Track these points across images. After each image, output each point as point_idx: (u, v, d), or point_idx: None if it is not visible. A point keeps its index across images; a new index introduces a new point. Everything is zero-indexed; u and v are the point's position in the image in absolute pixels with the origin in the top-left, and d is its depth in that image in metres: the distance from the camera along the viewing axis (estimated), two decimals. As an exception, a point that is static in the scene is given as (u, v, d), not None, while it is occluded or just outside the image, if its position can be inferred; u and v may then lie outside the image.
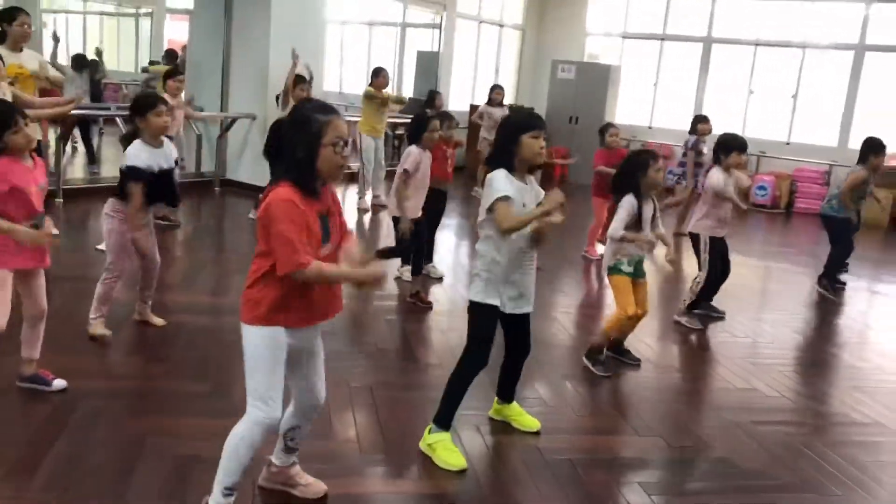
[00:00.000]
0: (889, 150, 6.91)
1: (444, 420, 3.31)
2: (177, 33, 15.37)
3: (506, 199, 3.13)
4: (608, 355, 4.57)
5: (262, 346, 2.49)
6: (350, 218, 8.61)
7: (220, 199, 8.96)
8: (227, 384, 3.83)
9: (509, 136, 3.22)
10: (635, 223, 4.33)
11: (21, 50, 5.69)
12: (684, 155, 8.78)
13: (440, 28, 12.62)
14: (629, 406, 4.12)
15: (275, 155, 2.51)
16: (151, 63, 12.37)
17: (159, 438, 3.23)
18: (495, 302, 3.28)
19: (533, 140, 3.17)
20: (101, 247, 5.97)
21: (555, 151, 11.89)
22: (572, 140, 12.86)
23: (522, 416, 3.69)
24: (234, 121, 9.16)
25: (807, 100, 12.72)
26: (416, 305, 5.37)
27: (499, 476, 3.24)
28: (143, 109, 4.12)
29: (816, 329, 6.05)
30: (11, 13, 5.64)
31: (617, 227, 4.33)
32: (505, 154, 3.21)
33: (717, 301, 5.72)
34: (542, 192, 3.29)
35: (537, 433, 3.61)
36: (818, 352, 5.44)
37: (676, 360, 4.99)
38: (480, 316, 3.32)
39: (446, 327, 5.15)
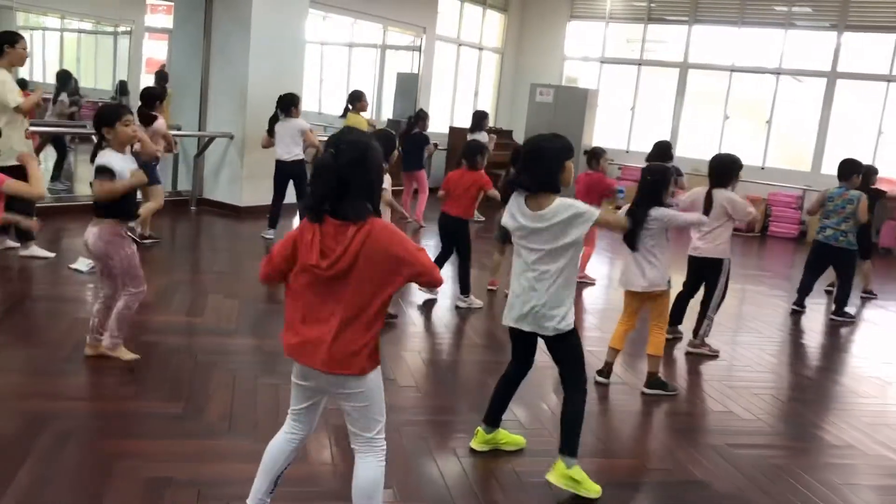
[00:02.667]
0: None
1: (576, 448, 3.31)
2: (156, 52, 15.34)
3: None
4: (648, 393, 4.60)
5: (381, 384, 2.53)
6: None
7: (197, 218, 8.89)
8: (200, 405, 3.78)
9: (559, 161, 3.26)
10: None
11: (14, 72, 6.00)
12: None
13: (420, 50, 12.69)
14: (606, 429, 4.11)
15: (341, 195, 2.34)
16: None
17: (129, 461, 3.17)
18: None
19: (571, 164, 3.30)
20: (74, 266, 5.93)
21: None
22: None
23: (509, 437, 3.67)
24: (211, 140, 9.12)
25: (781, 125, 12.93)
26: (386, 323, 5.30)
27: (476, 499, 3.21)
28: (111, 119, 4.05)
29: (791, 352, 6.09)
30: (14, 36, 5.97)
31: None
32: (554, 179, 3.25)
33: (691, 323, 5.73)
34: None
35: (521, 450, 3.62)
36: (793, 375, 5.47)
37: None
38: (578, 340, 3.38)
39: (420, 348, 5.13)
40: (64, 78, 10.23)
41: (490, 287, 6.71)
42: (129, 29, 14.83)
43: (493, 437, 3.63)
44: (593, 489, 3.28)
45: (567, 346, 3.34)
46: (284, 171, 7.78)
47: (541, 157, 3.26)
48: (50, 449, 3.22)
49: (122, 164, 4.07)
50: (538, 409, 4.20)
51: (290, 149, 7.69)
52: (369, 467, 2.52)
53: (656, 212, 4.38)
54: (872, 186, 7.77)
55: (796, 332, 6.61)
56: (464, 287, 6.17)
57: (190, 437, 3.47)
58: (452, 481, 3.30)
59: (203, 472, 3.14)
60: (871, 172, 7.71)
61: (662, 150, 8.44)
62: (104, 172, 3.98)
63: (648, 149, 7.27)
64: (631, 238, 4.44)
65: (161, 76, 11.83)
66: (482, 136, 9.99)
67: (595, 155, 7.20)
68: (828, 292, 7.77)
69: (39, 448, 3.22)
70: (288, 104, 7.67)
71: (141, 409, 3.74)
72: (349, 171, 2.32)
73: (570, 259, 3.25)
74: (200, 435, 3.50)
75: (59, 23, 14.70)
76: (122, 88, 12.51)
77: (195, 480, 3.06)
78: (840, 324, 6.87)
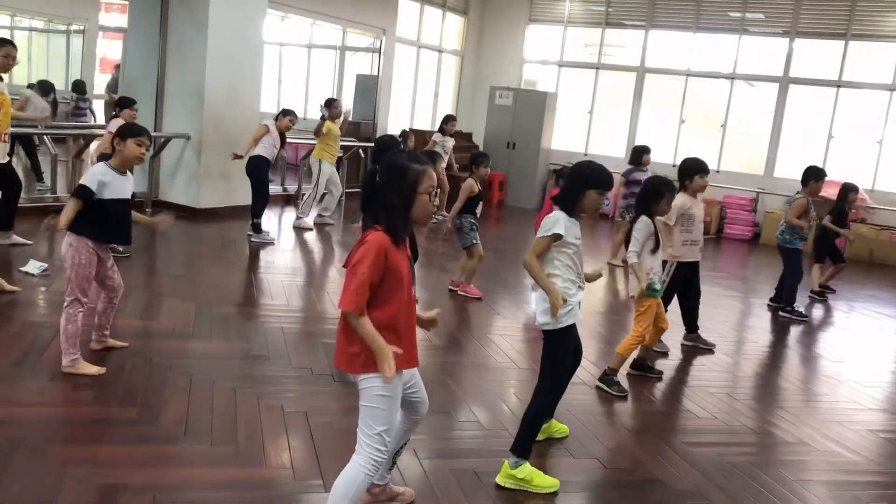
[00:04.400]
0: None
1: (526, 450, 3.40)
2: (110, 51, 15.07)
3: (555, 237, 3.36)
4: (631, 373, 4.93)
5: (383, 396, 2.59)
6: (289, 237, 8.54)
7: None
8: (156, 410, 3.72)
9: (583, 185, 3.38)
10: (655, 247, 4.67)
11: (2, 79, 6.02)
12: (626, 185, 8.70)
13: (380, 52, 12.67)
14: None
15: (368, 202, 2.58)
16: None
17: (83, 467, 3.10)
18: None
19: (598, 196, 3.39)
20: (25, 268, 5.80)
21: (492, 177, 12.04)
22: (510, 165, 13.03)
23: (559, 426, 3.92)
24: (167, 141, 8.99)
25: (735, 129, 13.17)
26: None
27: (435, 500, 3.21)
28: (125, 134, 4.09)
29: (746, 351, 6.21)
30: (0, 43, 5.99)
31: (634, 251, 4.63)
32: (570, 202, 3.41)
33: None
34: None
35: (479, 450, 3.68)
36: (747, 374, 5.58)
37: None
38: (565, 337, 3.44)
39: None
40: (47, 87, 10.22)
41: (453, 288, 6.71)
42: (82, 27, 14.57)
43: (547, 427, 3.83)
44: (546, 484, 3.35)
45: (545, 346, 3.46)
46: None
47: (567, 178, 3.50)
48: (0, 456, 3.13)
49: (113, 183, 4.05)
50: (498, 409, 4.22)
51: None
52: (350, 466, 2.60)
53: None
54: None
55: (750, 332, 6.73)
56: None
57: (145, 442, 3.41)
58: (413, 482, 3.28)
59: (158, 478, 3.09)
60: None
61: (635, 153, 8.67)
62: (79, 194, 3.97)
63: (607, 152, 7.40)
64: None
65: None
66: (438, 137, 10.62)
67: (562, 175, 7.29)
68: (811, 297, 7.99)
69: (-12, 455, 3.13)
70: None
71: (95, 414, 3.67)
72: (368, 187, 2.59)
73: (549, 261, 3.40)
74: (156, 440, 3.44)
75: (9, 20, 14.37)
76: (78, 87, 12.29)
77: (150, 486, 3.01)
78: (790, 322, 7.01)
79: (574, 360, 3.69)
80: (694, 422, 4.39)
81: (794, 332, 6.86)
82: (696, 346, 5.82)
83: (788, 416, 4.62)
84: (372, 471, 2.58)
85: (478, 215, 6.57)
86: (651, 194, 4.68)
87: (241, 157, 7.98)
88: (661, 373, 5.11)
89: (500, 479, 3.35)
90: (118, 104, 6.96)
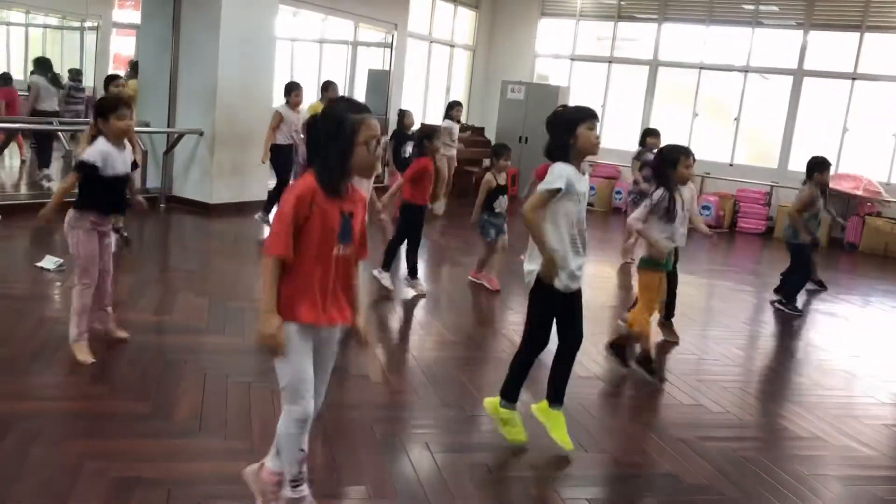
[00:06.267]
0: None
1: (511, 394, 3.61)
2: (123, 48, 15.15)
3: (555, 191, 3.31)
4: (636, 368, 4.83)
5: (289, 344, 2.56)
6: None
7: (166, 215, 8.80)
8: (170, 404, 3.75)
9: (567, 128, 3.36)
10: (666, 215, 4.58)
11: None
12: (641, 169, 8.25)
13: (391, 47, 12.66)
14: (577, 422, 4.12)
15: (312, 151, 2.57)
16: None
17: (98, 461, 3.13)
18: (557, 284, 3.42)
19: (589, 131, 3.35)
20: (41, 264, 5.84)
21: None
22: (522, 159, 12.99)
23: (562, 431, 3.67)
24: (180, 137, 9.02)
25: (749, 122, 13.09)
26: None
27: (448, 494, 3.21)
28: (104, 112, 4.09)
29: (759, 346, 6.18)
30: None
31: (637, 217, 4.60)
32: (562, 147, 3.38)
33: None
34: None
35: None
36: (761, 368, 5.55)
37: (624, 376, 5.04)
38: (544, 297, 3.47)
39: (392, 345, 5.13)
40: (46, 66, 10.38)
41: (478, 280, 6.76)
42: (95, 24, 14.65)
43: (548, 413, 3.74)
44: (510, 435, 3.55)
45: (528, 297, 3.55)
46: None
47: (554, 124, 3.47)
48: (16, 450, 3.16)
49: (113, 156, 4.08)
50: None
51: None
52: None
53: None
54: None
55: (764, 326, 6.70)
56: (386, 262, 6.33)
57: (159, 436, 3.43)
58: (425, 476, 3.30)
59: (173, 472, 3.11)
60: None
61: (642, 135, 8.49)
62: (79, 168, 4.04)
63: (618, 145, 7.35)
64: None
65: (135, 68, 11.74)
66: (446, 124, 10.46)
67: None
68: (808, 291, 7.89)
69: (5, 449, 3.16)
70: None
71: (109, 408, 3.70)
72: (310, 138, 2.60)
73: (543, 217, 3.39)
74: (170, 434, 3.47)
75: (24, 17, 14.47)
76: (74, 75, 12.22)
77: (165, 480, 3.03)
78: (782, 314, 6.94)
79: (569, 335, 3.59)
80: (707, 416, 4.37)
81: (808, 326, 6.82)
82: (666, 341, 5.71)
83: (802, 410, 4.60)
84: (295, 428, 2.60)
85: (496, 209, 6.47)
86: (667, 163, 4.63)
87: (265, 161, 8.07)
88: (664, 379, 4.86)
89: (485, 403, 3.66)
90: (105, 82, 6.92)
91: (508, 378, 3.65)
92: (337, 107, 2.56)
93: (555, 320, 3.56)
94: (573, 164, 3.39)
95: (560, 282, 3.40)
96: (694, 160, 4.85)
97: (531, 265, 3.44)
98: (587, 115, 3.38)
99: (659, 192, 4.62)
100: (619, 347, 4.94)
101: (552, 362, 3.70)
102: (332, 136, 2.47)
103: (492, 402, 3.68)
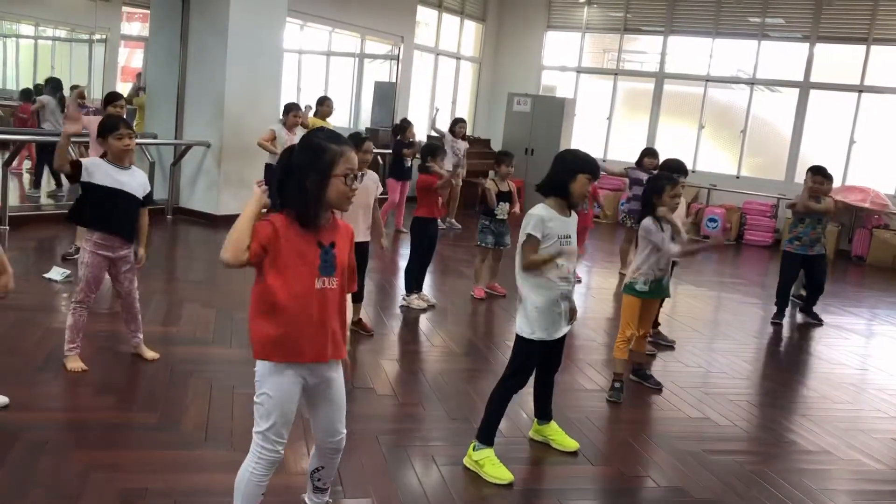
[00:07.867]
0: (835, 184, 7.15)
1: (487, 436, 3.49)
2: (132, 60, 15.23)
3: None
4: (632, 379, 4.88)
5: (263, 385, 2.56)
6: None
7: (173, 227, 8.83)
8: (176, 415, 3.75)
9: (572, 169, 3.45)
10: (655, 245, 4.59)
11: None
12: (630, 187, 8.28)
13: (398, 59, 12.71)
14: (583, 436, 4.12)
15: (283, 181, 2.43)
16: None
17: (104, 472, 3.13)
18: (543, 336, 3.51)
19: (586, 182, 3.44)
20: (48, 275, 5.86)
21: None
22: (528, 171, 13.00)
23: (561, 436, 3.80)
24: (188, 148, 9.07)
25: (755, 135, 13.08)
26: (357, 333, 5.31)
27: (453, 507, 3.21)
28: (103, 132, 4.14)
29: (766, 359, 6.15)
30: None
31: (643, 258, 4.59)
32: (557, 184, 3.48)
33: (669, 330, 5.78)
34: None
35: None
36: (768, 381, 5.53)
37: (630, 389, 5.02)
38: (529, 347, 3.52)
39: (398, 357, 5.12)
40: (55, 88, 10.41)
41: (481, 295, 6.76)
42: (104, 37, 14.72)
43: (543, 429, 3.84)
44: (496, 474, 3.40)
45: (514, 343, 3.61)
46: None
47: (556, 159, 3.55)
48: (23, 460, 3.17)
49: (102, 168, 4.09)
50: (516, 416, 4.20)
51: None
52: (243, 463, 2.56)
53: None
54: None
55: (771, 339, 6.67)
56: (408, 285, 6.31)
57: (166, 447, 3.43)
58: (432, 490, 3.29)
59: (179, 483, 3.11)
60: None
61: (640, 154, 8.43)
62: (73, 165, 4.09)
63: (625, 158, 7.37)
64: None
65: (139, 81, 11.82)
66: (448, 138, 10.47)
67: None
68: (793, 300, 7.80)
69: (13, 459, 3.17)
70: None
71: (116, 419, 3.70)
72: (284, 165, 2.48)
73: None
74: (176, 445, 3.47)
75: (33, 30, 14.57)
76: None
77: (171, 490, 3.03)
78: (812, 329, 6.94)
79: (551, 363, 3.71)
80: (714, 429, 4.35)
81: (816, 339, 6.79)
82: (657, 343, 5.73)
83: (810, 424, 4.58)
84: (262, 471, 2.49)
85: (498, 216, 6.53)
86: (653, 190, 4.66)
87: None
88: (659, 384, 4.90)
89: (465, 460, 3.49)
90: (104, 101, 6.81)
91: (486, 417, 3.53)
92: (316, 136, 2.44)
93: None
94: (562, 202, 3.48)
95: (546, 332, 3.50)
96: (686, 176, 5.01)
97: (519, 321, 3.54)
98: (592, 169, 3.47)
99: (647, 223, 4.58)
100: (637, 372, 4.96)
101: (534, 386, 3.80)
102: (310, 166, 2.37)
103: (468, 454, 3.51)
